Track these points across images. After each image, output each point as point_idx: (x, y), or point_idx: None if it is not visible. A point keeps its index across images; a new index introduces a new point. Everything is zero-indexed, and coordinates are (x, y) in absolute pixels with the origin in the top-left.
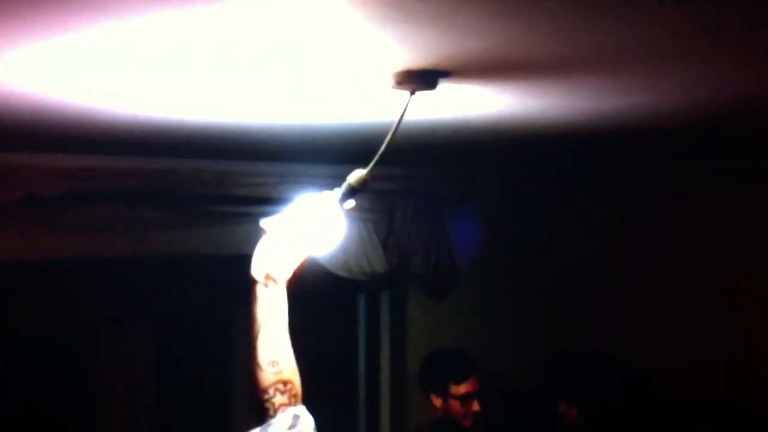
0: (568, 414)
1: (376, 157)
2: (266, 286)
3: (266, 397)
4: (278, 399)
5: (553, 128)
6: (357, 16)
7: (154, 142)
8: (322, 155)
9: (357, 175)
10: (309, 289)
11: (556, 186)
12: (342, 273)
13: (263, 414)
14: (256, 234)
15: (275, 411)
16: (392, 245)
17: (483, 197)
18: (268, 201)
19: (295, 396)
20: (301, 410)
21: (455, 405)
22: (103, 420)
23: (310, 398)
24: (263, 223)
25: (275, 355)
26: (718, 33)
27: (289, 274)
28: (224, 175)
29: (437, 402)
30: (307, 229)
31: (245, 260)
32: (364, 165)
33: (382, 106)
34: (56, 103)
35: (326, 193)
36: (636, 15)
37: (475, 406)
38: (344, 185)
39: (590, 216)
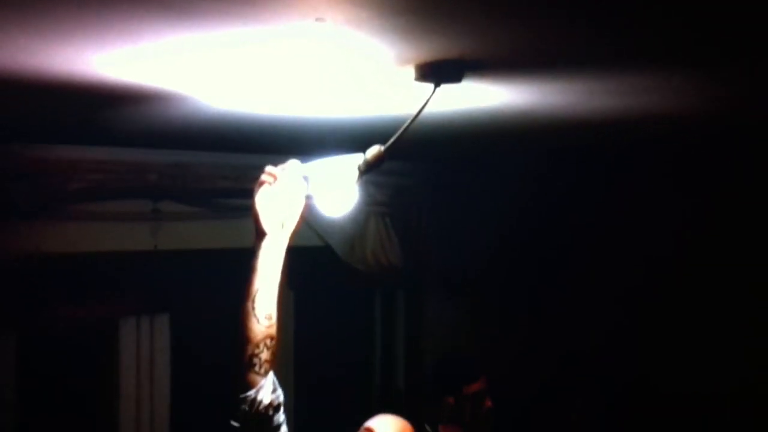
0: (578, 419)
1: (395, 137)
2: (274, 235)
3: (257, 351)
4: (264, 354)
5: (578, 124)
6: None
7: (176, 135)
8: (343, 149)
9: (373, 150)
10: (327, 285)
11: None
12: (359, 266)
13: (248, 369)
14: None
15: (260, 367)
16: (409, 240)
17: (498, 195)
18: None
19: (274, 354)
20: (274, 377)
21: (467, 404)
22: (121, 410)
23: (329, 394)
24: (269, 169)
25: (270, 309)
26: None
27: (295, 222)
28: (243, 169)
29: (450, 400)
30: (318, 185)
31: None
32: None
33: (407, 100)
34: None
35: (344, 158)
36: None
37: (488, 402)
38: (361, 159)
39: None
